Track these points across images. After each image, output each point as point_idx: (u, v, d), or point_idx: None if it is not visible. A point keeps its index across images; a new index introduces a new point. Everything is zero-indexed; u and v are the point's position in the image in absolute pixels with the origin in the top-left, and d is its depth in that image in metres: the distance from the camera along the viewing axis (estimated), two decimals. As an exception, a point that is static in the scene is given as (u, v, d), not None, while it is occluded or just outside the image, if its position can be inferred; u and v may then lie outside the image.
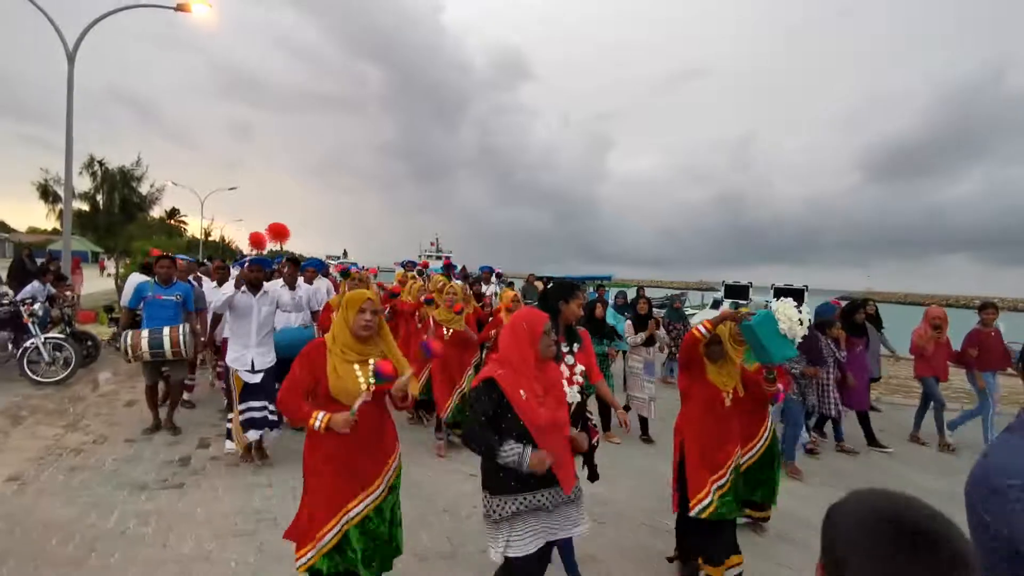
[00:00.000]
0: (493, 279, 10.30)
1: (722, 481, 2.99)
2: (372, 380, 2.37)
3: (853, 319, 6.06)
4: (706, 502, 2.91)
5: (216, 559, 3.15)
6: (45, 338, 6.78)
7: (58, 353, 6.84)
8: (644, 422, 6.01)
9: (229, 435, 4.62)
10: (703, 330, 3.04)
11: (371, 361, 2.39)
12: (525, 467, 2.11)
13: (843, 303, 6.68)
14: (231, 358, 4.50)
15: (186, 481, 4.19)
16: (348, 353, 2.38)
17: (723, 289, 18.76)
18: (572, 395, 2.78)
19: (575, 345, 3.00)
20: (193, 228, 48.97)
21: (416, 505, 3.88)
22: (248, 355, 4.48)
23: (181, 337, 4.95)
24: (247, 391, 4.46)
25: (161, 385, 5.52)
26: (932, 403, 6.38)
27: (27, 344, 6.70)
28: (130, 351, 4.88)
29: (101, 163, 27.42)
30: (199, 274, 6.79)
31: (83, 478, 4.14)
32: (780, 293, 16.02)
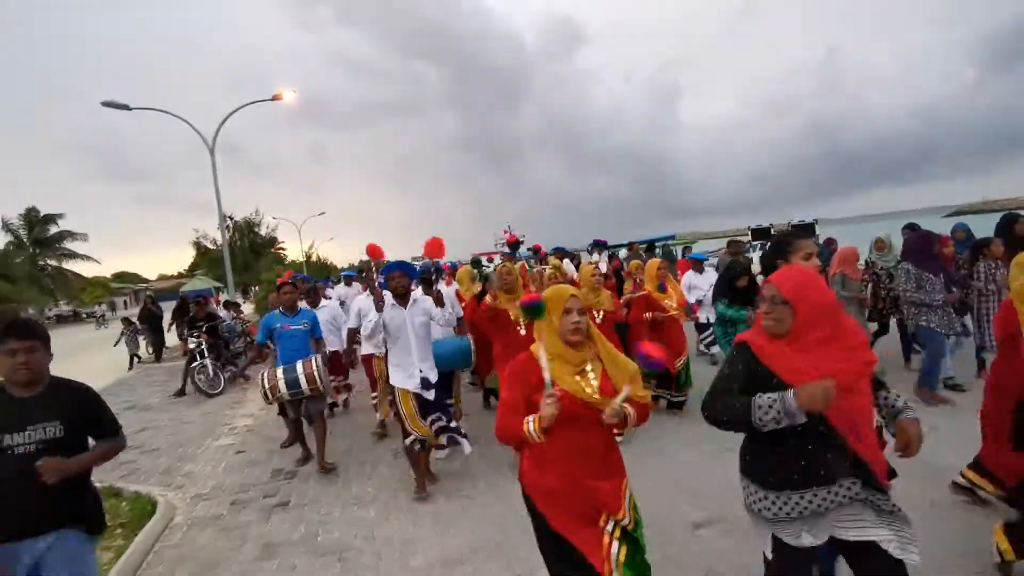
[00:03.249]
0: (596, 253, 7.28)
1: None
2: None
3: (1014, 231, 4.85)
4: None
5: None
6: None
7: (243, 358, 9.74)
8: None
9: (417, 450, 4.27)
10: None
11: (588, 367, 2.06)
12: (796, 411, 1.62)
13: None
14: (397, 379, 4.18)
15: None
16: (564, 365, 2.07)
17: (751, 233, 18.40)
18: None
19: None
20: (292, 252, 54.19)
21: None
22: (415, 373, 4.16)
23: (316, 372, 4.74)
24: (423, 408, 4.15)
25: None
26: None
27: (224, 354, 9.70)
28: (269, 394, 4.74)
29: (231, 218, 33.54)
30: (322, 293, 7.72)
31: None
32: (758, 234, 16.41)
